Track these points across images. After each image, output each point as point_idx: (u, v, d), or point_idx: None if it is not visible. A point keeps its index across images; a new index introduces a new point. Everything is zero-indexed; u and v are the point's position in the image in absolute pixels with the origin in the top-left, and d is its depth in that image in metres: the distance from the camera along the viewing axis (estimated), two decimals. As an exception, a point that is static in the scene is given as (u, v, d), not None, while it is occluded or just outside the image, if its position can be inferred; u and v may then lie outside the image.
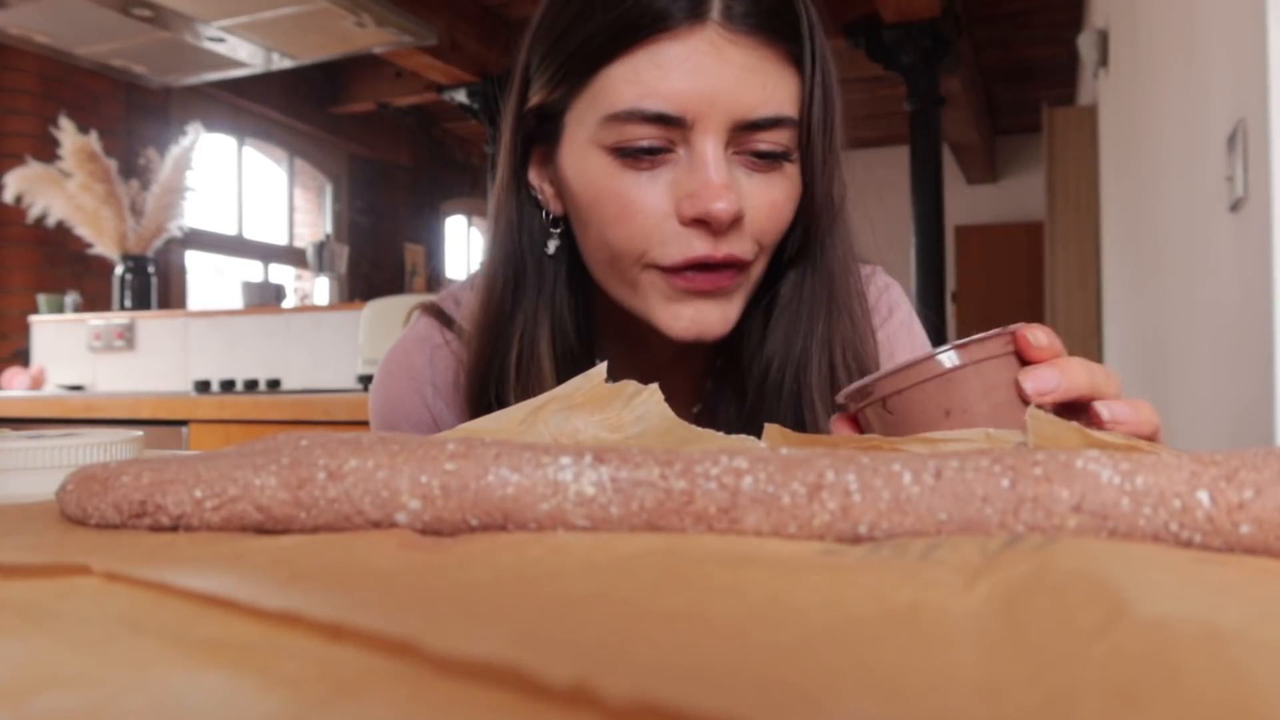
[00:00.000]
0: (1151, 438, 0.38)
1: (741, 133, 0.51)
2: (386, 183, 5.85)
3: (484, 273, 0.61)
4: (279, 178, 5.31)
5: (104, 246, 2.80)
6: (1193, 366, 1.62)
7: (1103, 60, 3.14)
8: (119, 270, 2.84)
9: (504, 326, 0.59)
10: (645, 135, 0.50)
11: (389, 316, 2.15)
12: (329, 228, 5.44)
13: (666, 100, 0.49)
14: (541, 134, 0.56)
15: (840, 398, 0.42)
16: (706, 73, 0.49)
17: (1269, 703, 0.12)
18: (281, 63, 2.92)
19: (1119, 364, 2.96)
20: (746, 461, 0.24)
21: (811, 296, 0.58)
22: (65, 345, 2.87)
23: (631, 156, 0.51)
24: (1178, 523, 0.22)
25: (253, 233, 5.00)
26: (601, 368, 0.39)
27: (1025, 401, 0.38)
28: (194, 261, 4.53)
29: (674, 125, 0.50)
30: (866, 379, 0.41)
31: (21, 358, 3.12)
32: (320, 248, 3.69)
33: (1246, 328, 1.16)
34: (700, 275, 0.52)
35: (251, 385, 2.42)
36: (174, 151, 2.88)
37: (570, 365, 0.59)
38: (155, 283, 2.92)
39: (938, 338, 0.71)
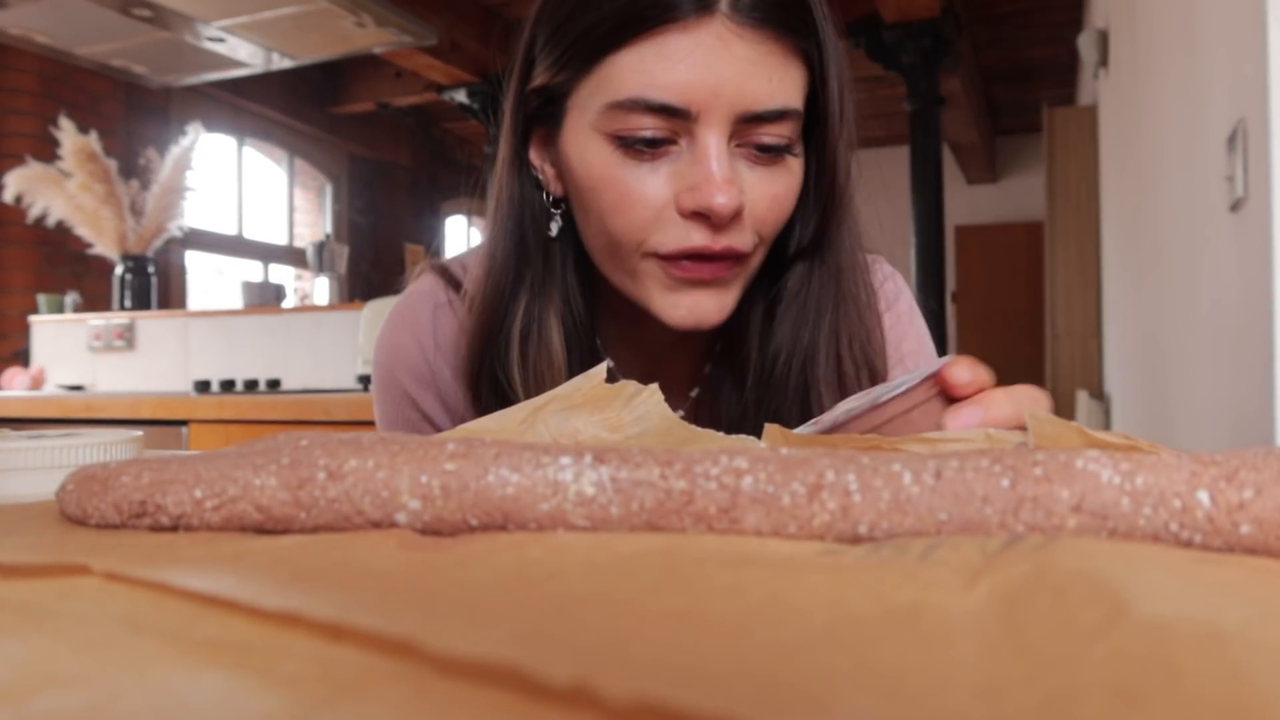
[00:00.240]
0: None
1: (745, 125, 0.51)
2: (386, 183, 5.85)
3: (485, 251, 0.61)
4: (279, 178, 5.31)
5: (104, 246, 2.80)
6: (1193, 366, 1.62)
7: (1103, 60, 3.14)
8: (119, 270, 2.84)
9: (505, 303, 0.59)
10: (648, 125, 0.50)
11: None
12: (329, 228, 5.44)
13: (671, 91, 0.49)
14: (543, 115, 0.56)
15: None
16: (712, 65, 0.49)
17: (1269, 703, 0.12)
18: (281, 63, 2.92)
19: (1119, 364, 2.97)
20: (746, 461, 0.24)
21: (819, 289, 0.58)
22: (65, 345, 2.87)
23: (633, 147, 0.51)
24: (1178, 523, 0.22)
25: (253, 233, 5.00)
26: (601, 368, 0.39)
27: None
28: (194, 261, 4.53)
29: (677, 116, 0.50)
30: (804, 430, 0.40)
31: (21, 358, 3.12)
32: (320, 248, 3.69)
33: (1246, 328, 1.16)
34: (697, 265, 0.52)
35: (251, 385, 2.42)
36: (174, 151, 2.88)
37: (578, 344, 0.59)
38: (155, 283, 2.92)
39: (938, 338, 0.71)
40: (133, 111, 3.93)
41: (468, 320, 0.61)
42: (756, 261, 0.56)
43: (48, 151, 2.90)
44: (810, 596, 0.17)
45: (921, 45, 3.68)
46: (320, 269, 3.68)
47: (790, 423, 0.57)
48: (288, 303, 3.42)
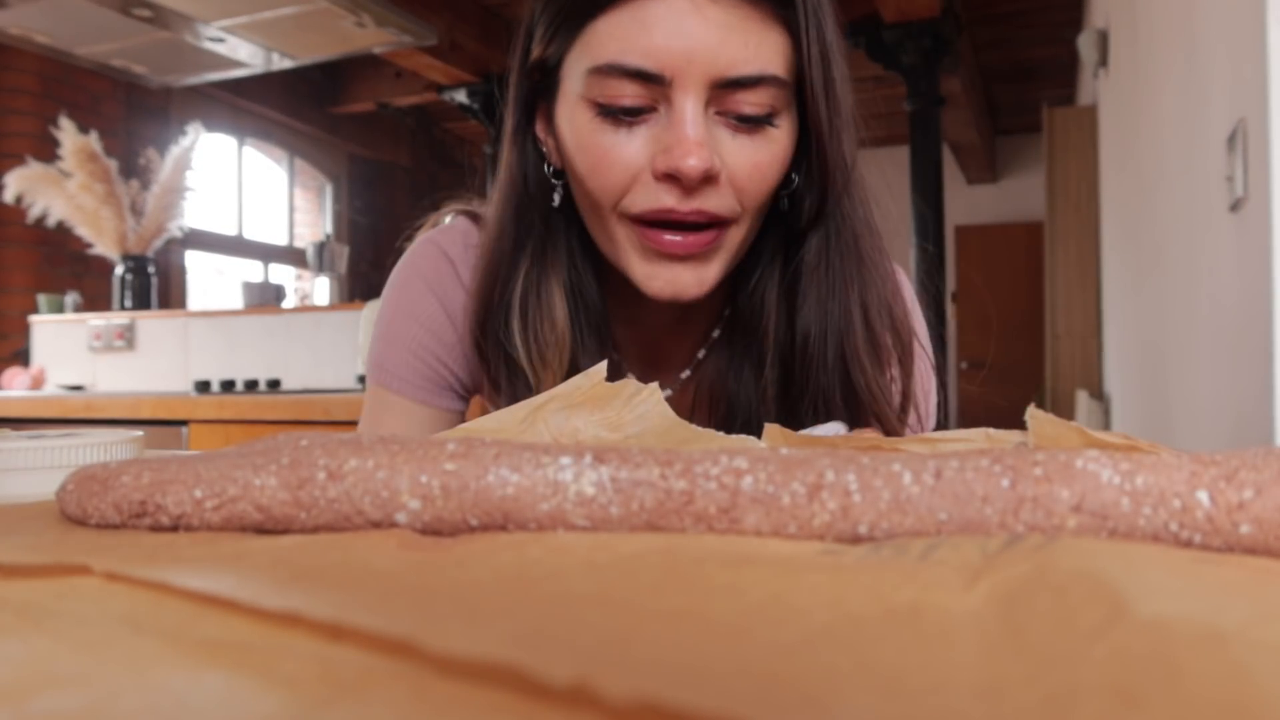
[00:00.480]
0: None
1: (722, 91, 0.51)
2: (386, 183, 5.85)
3: (490, 218, 0.62)
4: (279, 178, 5.31)
5: (104, 246, 2.80)
6: (1193, 366, 1.62)
7: (1103, 60, 3.14)
8: (119, 270, 2.84)
9: (505, 270, 0.60)
10: (627, 93, 0.51)
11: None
12: (329, 228, 5.44)
13: (645, 56, 0.50)
14: (543, 88, 0.58)
15: None
16: (686, 30, 0.50)
17: (1269, 703, 0.12)
18: (281, 63, 2.92)
19: (1119, 364, 2.97)
20: (746, 461, 0.24)
21: (840, 260, 0.58)
22: (65, 345, 2.87)
23: (612, 116, 0.52)
24: (1178, 523, 0.22)
25: (253, 233, 5.00)
26: (601, 367, 0.39)
27: None
28: (194, 261, 4.53)
29: (654, 82, 0.51)
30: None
31: (21, 358, 3.12)
32: (320, 248, 3.69)
33: (1246, 328, 1.16)
34: (673, 238, 0.53)
35: (251, 385, 2.42)
36: (174, 151, 2.88)
37: (582, 312, 0.60)
38: (155, 283, 2.92)
39: (938, 338, 0.71)
40: (133, 111, 3.93)
41: (471, 283, 0.62)
42: (741, 235, 0.56)
43: (48, 151, 2.90)
44: (810, 596, 0.17)
45: (921, 45, 3.68)
46: (320, 269, 3.68)
47: (833, 396, 0.58)
48: (288, 303, 3.42)
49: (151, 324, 2.76)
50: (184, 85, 3.27)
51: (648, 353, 0.66)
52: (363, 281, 5.35)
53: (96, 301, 3.44)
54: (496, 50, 4.18)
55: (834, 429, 0.47)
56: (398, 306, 0.66)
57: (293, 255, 5.19)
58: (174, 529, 0.26)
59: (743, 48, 0.50)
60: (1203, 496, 0.22)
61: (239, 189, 4.91)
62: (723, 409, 0.63)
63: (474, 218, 0.67)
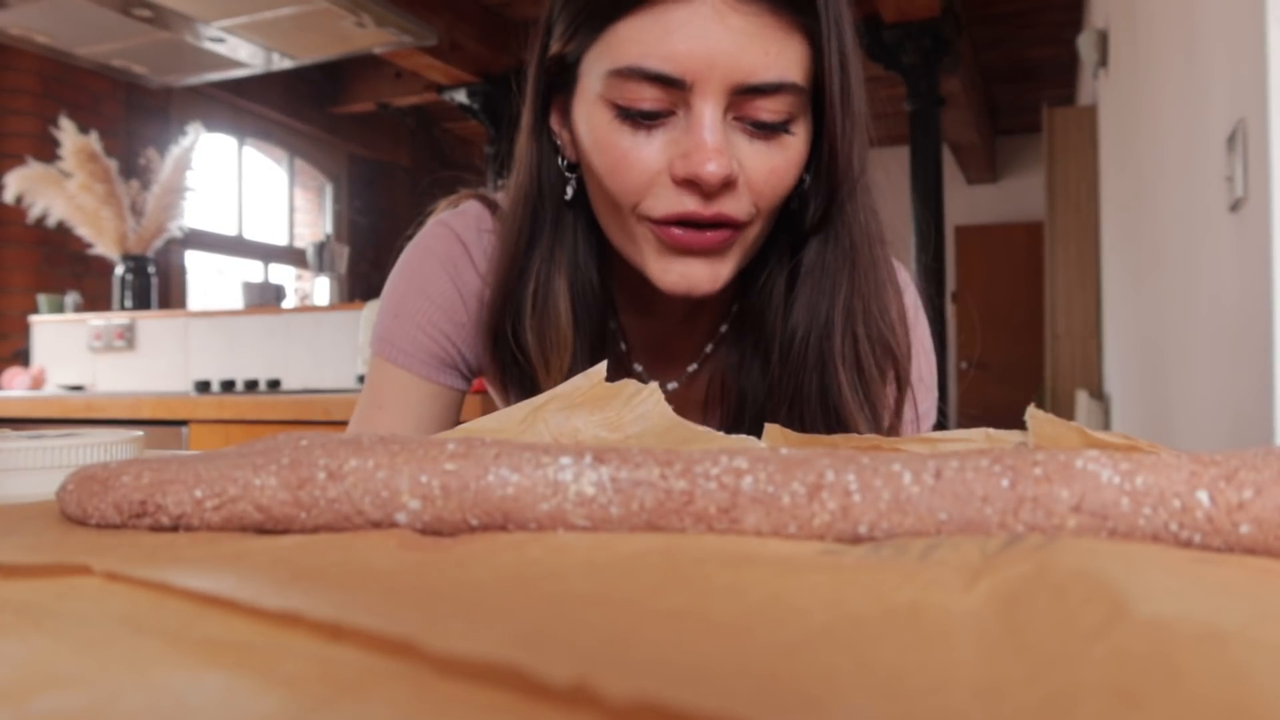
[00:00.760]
0: None
1: (742, 98, 0.51)
2: (386, 183, 5.85)
3: (505, 212, 0.63)
4: (279, 178, 5.31)
5: (104, 246, 2.80)
6: (1192, 366, 1.62)
7: (1102, 60, 3.14)
8: (119, 270, 2.84)
9: (520, 264, 0.60)
10: (646, 96, 0.51)
11: (389, 316, 2.15)
12: (329, 228, 5.44)
13: (666, 60, 0.50)
14: (560, 83, 0.58)
15: None
16: (707, 36, 0.50)
17: (1268, 703, 0.12)
18: (281, 63, 2.92)
19: (1119, 364, 2.97)
20: (746, 461, 0.24)
21: (834, 264, 0.59)
22: (65, 345, 2.87)
23: (631, 118, 0.52)
24: (1177, 523, 0.22)
25: (253, 233, 5.00)
26: (601, 367, 0.39)
27: None
28: (194, 261, 4.53)
29: (674, 86, 0.51)
30: None
31: (22, 358, 3.12)
32: (320, 248, 3.69)
33: (1246, 328, 1.16)
34: (690, 234, 0.53)
35: (251, 385, 2.42)
36: (174, 152, 2.88)
37: (587, 309, 0.60)
38: (155, 283, 2.92)
39: (938, 338, 0.71)
40: (133, 111, 3.93)
41: (488, 276, 0.63)
42: (755, 234, 0.56)
43: (48, 151, 2.90)
44: (810, 596, 0.17)
45: (921, 45, 3.68)
46: (320, 269, 3.68)
47: (810, 397, 0.58)
48: (288, 303, 3.42)
49: (151, 324, 2.76)
50: (184, 85, 3.27)
51: (656, 346, 0.67)
52: (363, 282, 5.35)
53: (96, 301, 3.44)
54: (497, 50, 4.18)
55: None
56: (410, 283, 0.66)
57: (293, 255, 5.19)
58: (174, 529, 0.26)
59: (763, 55, 0.51)
60: (1202, 496, 0.22)
61: (239, 189, 4.91)
62: (733, 404, 0.64)
63: (487, 202, 0.67)
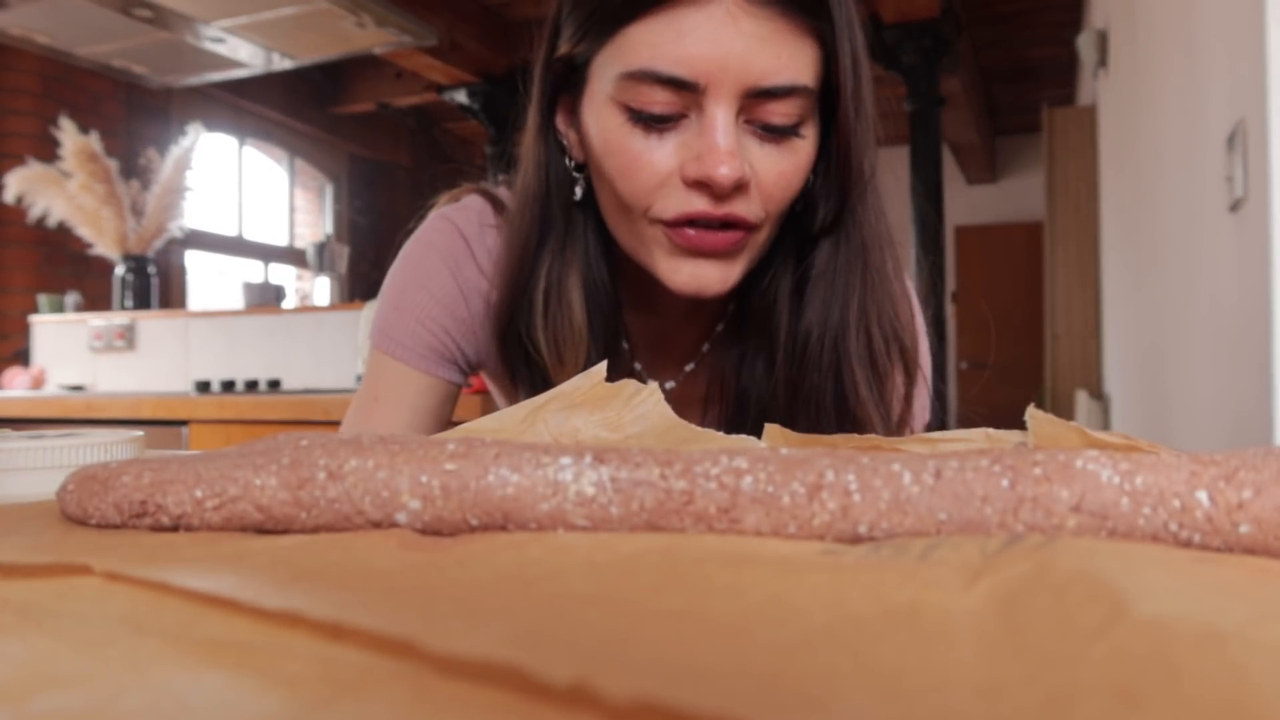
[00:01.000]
0: None
1: (753, 101, 0.52)
2: (387, 183, 5.85)
3: (511, 213, 0.63)
4: (279, 178, 5.31)
5: (104, 247, 2.80)
6: (1192, 367, 1.62)
7: (1102, 60, 3.14)
8: (119, 270, 2.84)
9: (529, 264, 0.61)
10: (659, 100, 0.52)
11: (389, 317, 2.15)
12: (329, 228, 5.44)
13: (679, 64, 0.51)
14: (568, 83, 0.58)
15: None
16: (720, 39, 0.50)
17: (1268, 702, 0.12)
18: (281, 63, 2.92)
19: (1118, 364, 2.97)
20: (746, 461, 0.24)
21: (846, 266, 0.59)
22: (66, 345, 2.87)
23: (643, 121, 0.53)
24: (1177, 522, 0.22)
25: (253, 233, 5.00)
26: (601, 367, 0.39)
27: None
28: (195, 262, 4.53)
29: (686, 90, 0.51)
30: None
31: (22, 358, 3.12)
32: (320, 248, 3.69)
33: (1246, 328, 1.16)
34: (702, 235, 0.54)
35: (252, 385, 2.42)
36: (174, 152, 2.88)
37: (598, 307, 0.61)
38: (156, 283, 2.92)
39: (938, 337, 0.71)
40: (133, 112, 3.93)
41: (495, 277, 0.63)
42: (764, 237, 0.57)
43: (48, 152, 2.90)
44: (810, 596, 0.17)
45: (921, 45, 3.68)
46: (320, 269, 3.68)
47: (825, 398, 0.59)
48: (288, 303, 3.42)
49: (152, 324, 2.76)
50: (184, 85, 3.28)
51: (656, 343, 0.67)
52: (363, 282, 5.35)
53: (97, 301, 3.44)
54: (497, 50, 4.18)
55: None
56: (410, 277, 0.66)
57: (293, 255, 5.19)
58: (174, 529, 0.26)
59: (775, 59, 0.51)
60: (1202, 496, 0.22)
61: (239, 189, 4.91)
62: (733, 403, 0.64)
63: (488, 196, 0.67)
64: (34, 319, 2.95)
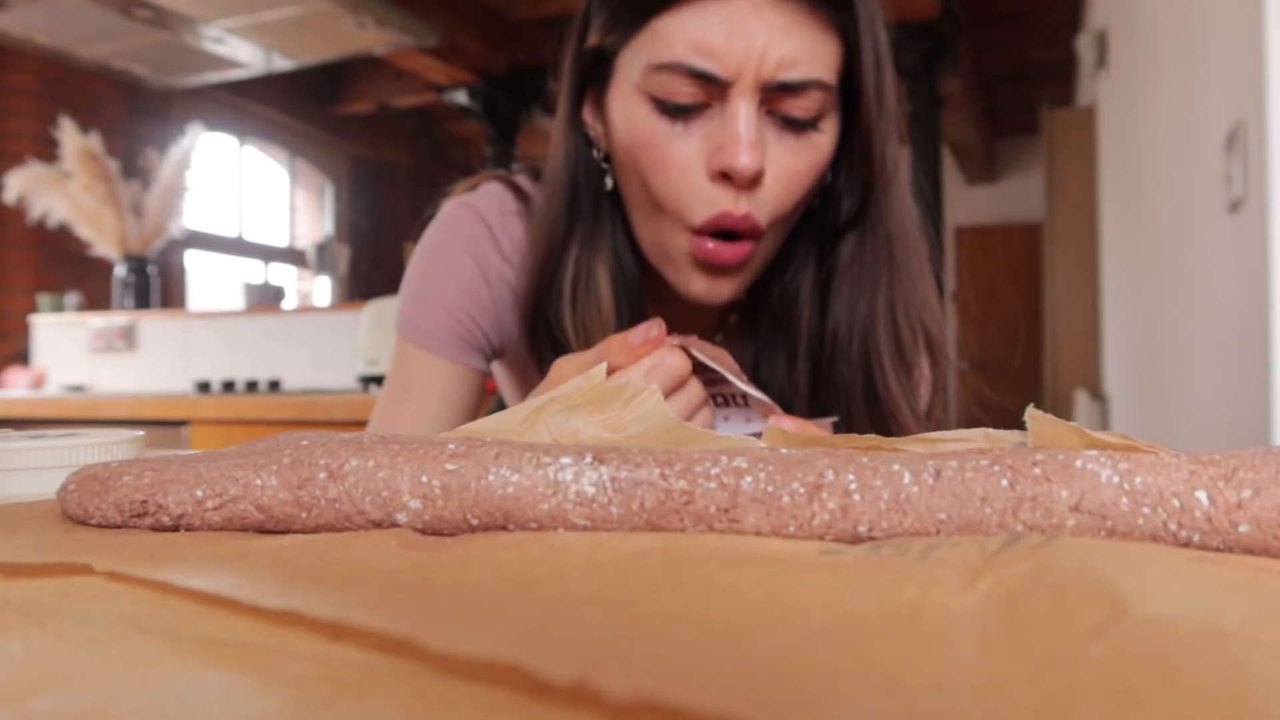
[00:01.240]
0: None
1: (774, 93, 0.53)
2: (387, 184, 5.85)
3: (539, 202, 0.64)
4: (280, 178, 5.31)
5: (105, 247, 2.80)
6: (1191, 367, 1.62)
7: (1101, 61, 3.14)
8: (120, 270, 2.84)
9: (557, 252, 0.61)
10: (684, 91, 0.53)
11: (389, 317, 2.16)
12: (329, 228, 5.44)
13: (708, 56, 0.52)
14: (596, 74, 0.59)
15: None
16: (745, 32, 0.51)
17: (1268, 701, 0.12)
18: (282, 64, 2.93)
19: (1118, 364, 2.97)
20: (746, 461, 0.24)
21: (872, 259, 0.60)
22: (66, 345, 2.87)
23: (669, 112, 0.54)
24: (1176, 522, 0.22)
25: (253, 234, 5.00)
26: (601, 368, 0.39)
27: None
28: (196, 262, 4.53)
29: (712, 81, 0.52)
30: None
31: (22, 358, 3.12)
32: (321, 248, 3.69)
33: (1245, 328, 1.16)
34: (719, 248, 0.55)
35: (252, 386, 2.42)
36: (174, 152, 2.89)
37: (626, 296, 0.62)
38: (156, 283, 2.92)
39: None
40: (134, 112, 3.93)
41: (522, 265, 0.64)
42: (768, 244, 0.57)
43: (49, 152, 2.90)
44: (810, 596, 0.17)
45: (921, 46, 3.68)
46: (321, 270, 3.68)
47: (854, 391, 0.60)
48: (288, 304, 3.42)
49: (152, 324, 2.76)
50: (184, 86, 3.28)
51: (671, 330, 0.68)
52: (363, 282, 5.35)
53: (97, 301, 3.44)
54: (497, 51, 4.18)
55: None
56: (432, 265, 0.66)
57: (293, 256, 5.19)
58: (175, 529, 0.26)
59: (797, 51, 0.52)
60: (1201, 496, 0.22)
61: (239, 189, 4.91)
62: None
63: (508, 183, 0.68)
64: (34, 319, 2.95)
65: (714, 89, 0.52)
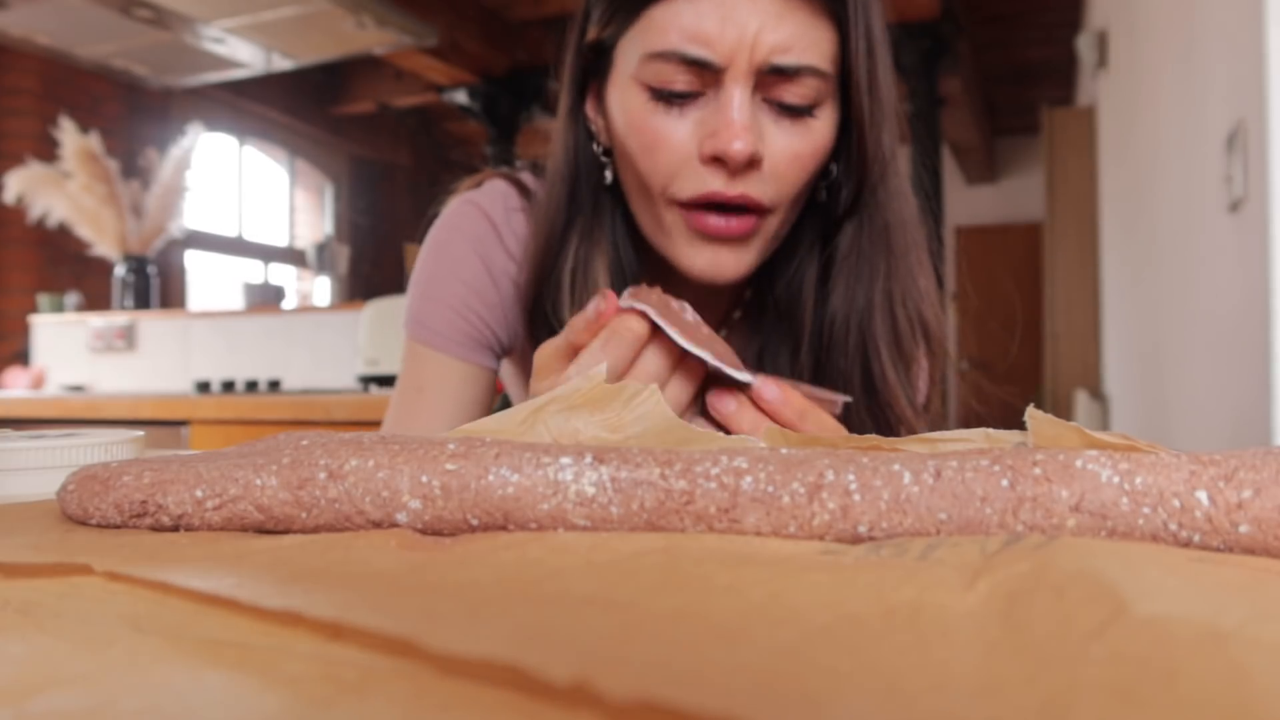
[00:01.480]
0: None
1: (769, 78, 0.53)
2: (387, 183, 5.85)
3: (540, 196, 0.64)
4: (279, 178, 5.31)
5: (105, 247, 2.80)
6: (1191, 367, 1.62)
7: (1101, 61, 3.14)
8: (119, 270, 2.84)
9: (556, 246, 0.62)
10: (679, 79, 0.53)
11: (389, 317, 2.16)
12: (329, 228, 5.44)
13: (702, 44, 0.52)
14: (595, 68, 0.60)
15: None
16: (738, 18, 0.52)
17: (1267, 702, 0.12)
18: (281, 64, 2.93)
19: (1118, 365, 2.97)
20: (746, 461, 0.24)
21: (870, 249, 0.60)
22: (66, 345, 2.87)
23: (664, 99, 0.54)
24: (1177, 522, 0.22)
25: (253, 233, 5.00)
26: (601, 368, 0.39)
27: None
28: (195, 262, 4.53)
29: (706, 68, 0.52)
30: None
31: (22, 358, 3.12)
32: (321, 248, 3.69)
33: (1245, 328, 1.16)
34: (717, 219, 0.55)
35: (252, 386, 2.42)
36: (174, 152, 2.89)
37: (623, 287, 0.62)
38: (156, 283, 2.92)
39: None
40: (133, 112, 3.93)
41: (523, 258, 0.64)
42: (777, 223, 0.57)
43: (48, 152, 2.90)
44: (810, 596, 0.17)
45: (921, 46, 3.68)
46: (321, 269, 3.68)
47: (852, 381, 0.60)
48: (288, 303, 3.42)
49: (152, 324, 2.76)
50: (184, 86, 3.28)
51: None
52: (363, 282, 5.35)
53: (97, 301, 3.44)
54: (497, 51, 4.18)
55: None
56: (439, 264, 0.67)
57: (293, 256, 5.19)
58: (175, 529, 0.26)
59: (790, 37, 0.52)
60: (1201, 496, 0.22)
61: (239, 189, 4.91)
62: None
63: (512, 180, 0.68)
64: (34, 319, 2.95)
65: (709, 76, 0.53)
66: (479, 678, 0.14)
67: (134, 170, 3.27)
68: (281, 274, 5.15)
